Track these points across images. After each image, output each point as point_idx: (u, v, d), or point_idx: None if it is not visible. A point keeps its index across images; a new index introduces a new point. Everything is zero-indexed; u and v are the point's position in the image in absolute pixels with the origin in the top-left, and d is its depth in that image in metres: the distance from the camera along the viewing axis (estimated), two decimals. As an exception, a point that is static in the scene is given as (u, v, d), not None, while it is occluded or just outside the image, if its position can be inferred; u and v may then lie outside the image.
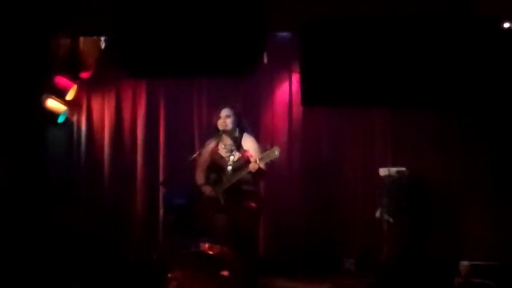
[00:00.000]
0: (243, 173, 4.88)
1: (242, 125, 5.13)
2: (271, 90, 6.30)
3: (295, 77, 6.08)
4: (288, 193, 6.18)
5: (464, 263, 5.40)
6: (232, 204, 4.96)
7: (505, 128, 5.58)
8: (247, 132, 5.13)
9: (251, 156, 4.91)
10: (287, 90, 6.25)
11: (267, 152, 4.84)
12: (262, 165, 4.83)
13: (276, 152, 4.78)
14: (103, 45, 5.78)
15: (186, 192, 5.64)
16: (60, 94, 5.87)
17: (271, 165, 4.96)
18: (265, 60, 5.78)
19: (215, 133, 5.13)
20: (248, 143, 5.05)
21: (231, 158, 4.98)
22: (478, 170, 5.71)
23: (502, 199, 5.61)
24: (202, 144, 5.53)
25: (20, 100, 5.14)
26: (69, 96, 5.98)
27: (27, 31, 4.86)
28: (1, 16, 4.74)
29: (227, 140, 5.11)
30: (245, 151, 4.99)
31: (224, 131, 5.06)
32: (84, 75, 6.02)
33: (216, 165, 5.09)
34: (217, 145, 5.12)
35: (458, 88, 4.60)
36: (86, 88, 6.30)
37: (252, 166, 4.81)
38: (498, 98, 4.67)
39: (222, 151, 5.09)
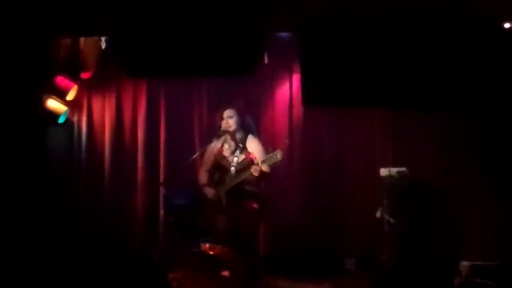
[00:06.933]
0: (245, 175, 4.85)
1: (246, 126, 5.04)
2: (271, 90, 6.28)
3: (296, 77, 6.07)
4: (288, 193, 6.16)
5: (464, 263, 5.40)
6: (234, 205, 4.93)
7: (505, 128, 5.58)
8: (252, 134, 5.07)
9: (255, 158, 4.87)
10: (288, 90, 6.24)
11: (269, 155, 4.76)
12: (264, 168, 4.77)
13: (278, 155, 4.70)
14: (103, 45, 5.78)
15: (186, 192, 5.65)
16: (60, 94, 5.86)
17: (272, 165, 4.92)
18: (266, 60, 5.79)
19: (219, 133, 5.08)
20: (252, 145, 4.98)
21: (235, 159, 4.94)
22: (479, 170, 5.71)
23: (503, 199, 5.61)
24: (203, 145, 5.52)
25: (21, 100, 5.15)
26: (70, 96, 5.97)
27: (28, 31, 4.88)
28: (2, 17, 4.75)
29: (231, 141, 5.05)
30: (249, 153, 4.94)
31: (226, 132, 5.00)
32: (85, 75, 6.02)
33: (219, 165, 5.05)
34: (222, 145, 5.08)
35: (459, 88, 4.62)
36: (87, 88, 6.29)
37: (254, 169, 4.76)
38: (498, 98, 4.68)
39: (227, 151, 5.04)
